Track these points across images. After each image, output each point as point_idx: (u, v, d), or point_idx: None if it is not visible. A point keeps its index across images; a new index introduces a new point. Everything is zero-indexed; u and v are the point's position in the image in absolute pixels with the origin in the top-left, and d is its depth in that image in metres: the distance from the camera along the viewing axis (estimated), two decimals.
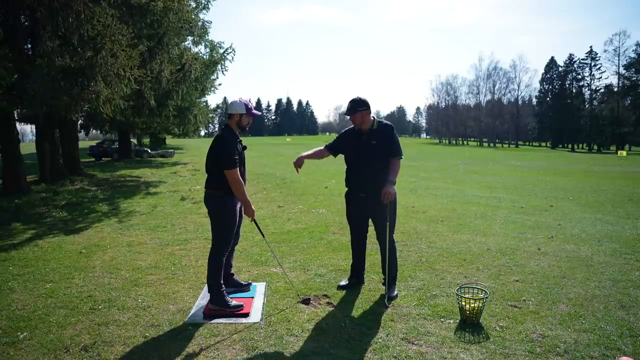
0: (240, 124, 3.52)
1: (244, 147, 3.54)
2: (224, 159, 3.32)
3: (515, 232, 6.33)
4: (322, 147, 4.04)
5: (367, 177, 3.70)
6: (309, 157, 3.97)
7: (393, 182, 3.63)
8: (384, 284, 3.85)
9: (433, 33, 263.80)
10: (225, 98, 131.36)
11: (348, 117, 3.73)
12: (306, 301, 3.65)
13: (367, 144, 3.71)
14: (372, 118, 3.76)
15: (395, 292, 3.78)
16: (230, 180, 3.33)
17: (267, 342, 2.95)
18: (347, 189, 3.95)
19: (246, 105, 3.50)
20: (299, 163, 3.88)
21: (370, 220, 3.95)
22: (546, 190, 11.62)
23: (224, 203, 3.42)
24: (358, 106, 3.67)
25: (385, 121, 3.83)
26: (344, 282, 4.06)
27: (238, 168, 3.36)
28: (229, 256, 3.69)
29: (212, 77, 20.89)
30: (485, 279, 4.20)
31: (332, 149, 3.97)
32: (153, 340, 3.02)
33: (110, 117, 13.86)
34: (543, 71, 79.33)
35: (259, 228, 3.77)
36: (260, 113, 3.67)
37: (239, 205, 3.57)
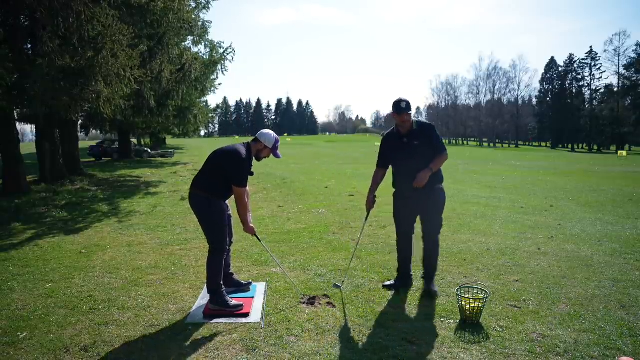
0: (260, 154, 3.60)
1: (252, 173, 3.58)
2: (239, 176, 3.38)
3: (515, 232, 6.33)
4: (376, 170, 4.05)
5: (413, 176, 3.66)
6: (376, 188, 4.04)
7: (431, 170, 3.62)
8: (423, 277, 3.98)
9: (433, 33, 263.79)
10: (225, 98, 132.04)
11: (399, 114, 3.68)
12: (311, 300, 3.65)
13: (410, 145, 3.73)
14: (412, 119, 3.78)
15: (436, 289, 3.80)
16: (237, 196, 3.43)
17: (267, 342, 2.95)
18: (394, 189, 4.00)
19: (275, 141, 3.59)
20: (372, 204, 4.04)
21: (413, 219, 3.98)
22: (546, 190, 11.62)
23: (210, 203, 3.44)
24: (409, 107, 3.69)
25: (424, 121, 3.87)
26: (389, 283, 4.02)
27: (246, 188, 3.47)
28: (226, 256, 3.69)
29: (212, 77, 20.90)
30: (485, 279, 4.20)
31: (385, 163, 3.99)
32: (153, 340, 3.02)
33: (110, 117, 13.86)
34: (543, 71, 79.35)
35: (259, 240, 3.80)
36: (280, 156, 3.75)
37: (225, 207, 3.59)
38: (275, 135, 3.63)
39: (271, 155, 3.68)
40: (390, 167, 4.00)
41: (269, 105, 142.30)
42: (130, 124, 22.81)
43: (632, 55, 61.77)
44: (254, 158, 3.58)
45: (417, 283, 4.11)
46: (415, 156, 3.70)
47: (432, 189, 3.76)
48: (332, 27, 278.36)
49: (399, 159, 3.84)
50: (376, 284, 4.08)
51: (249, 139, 3.84)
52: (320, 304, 3.61)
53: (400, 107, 3.69)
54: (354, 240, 5.83)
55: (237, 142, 3.81)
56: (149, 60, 12.64)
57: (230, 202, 3.67)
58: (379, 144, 4.09)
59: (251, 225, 3.57)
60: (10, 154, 10.63)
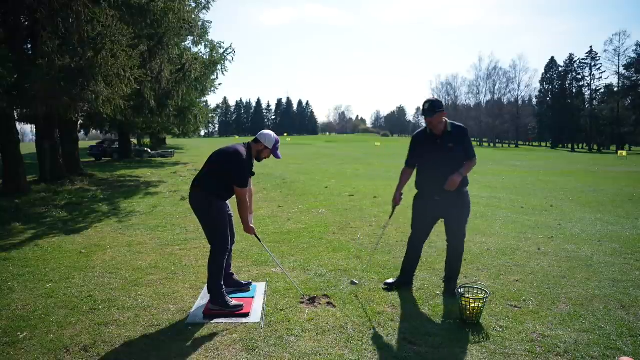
0: (260, 155, 3.59)
1: (253, 173, 3.58)
2: (240, 177, 3.38)
3: (515, 232, 6.33)
4: (404, 169, 3.94)
5: (445, 180, 3.57)
6: (403, 186, 3.96)
7: (462, 175, 3.58)
8: (444, 280, 3.94)
9: (433, 33, 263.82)
10: (225, 98, 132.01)
11: (426, 118, 3.58)
12: (311, 300, 3.65)
13: (444, 148, 3.61)
14: (445, 120, 3.64)
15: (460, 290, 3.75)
16: (239, 196, 3.43)
17: (267, 342, 2.95)
18: (418, 192, 3.89)
19: (275, 142, 3.58)
20: (399, 201, 3.95)
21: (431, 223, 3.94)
22: (546, 190, 11.62)
23: (210, 203, 3.44)
24: (437, 107, 3.55)
25: (458, 123, 3.73)
26: (390, 280, 4.01)
27: (247, 188, 3.48)
28: (227, 256, 3.69)
29: (212, 77, 20.84)
30: (485, 279, 4.20)
31: (414, 163, 3.87)
32: (153, 340, 3.02)
33: (110, 117, 13.88)
34: (543, 71, 79.35)
35: (259, 240, 3.80)
36: (281, 157, 3.74)
37: (226, 207, 3.60)
38: (276, 136, 3.63)
39: (271, 156, 3.68)
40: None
41: (269, 105, 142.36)
42: (130, 124, 22.81)
43: (632, 55, 61.89)
44: (254, 158, 3.59)
45: (417, 283, 4.11)
46: (447, 159, 3.61)
47: (460, 192, 3.69)
48: (333, 27, 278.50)
49: (430, 160, 3.70)
50: (376, 284, 4.08)
51: (249, 139, 3.84)
52: (320, 304, 3.61)
53: (425, 110, 3.56)
54: (354, 240, 5.83)
55: (237, 142, 3.81)
56: (149, 60, 12.63)
57: (231, 202, 3.67)
58: (408, 143, 3.99)
59: (251, 225, 3.57)
60: (10, 154, 10.62)
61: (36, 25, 9.37)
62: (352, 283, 4.04)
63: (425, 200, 3.81)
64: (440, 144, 3.63)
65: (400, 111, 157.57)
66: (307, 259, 4.97)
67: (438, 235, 6.05)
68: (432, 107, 3.54)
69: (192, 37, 18.14)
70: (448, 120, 3.64)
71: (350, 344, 2.93)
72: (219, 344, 2.95)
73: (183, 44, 17.90)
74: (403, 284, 3.97)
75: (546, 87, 78.87)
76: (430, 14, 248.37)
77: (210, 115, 34.32)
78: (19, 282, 4.27)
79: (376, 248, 4.55)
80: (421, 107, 3.66)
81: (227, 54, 19.95)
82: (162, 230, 6.70)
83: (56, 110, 10.15)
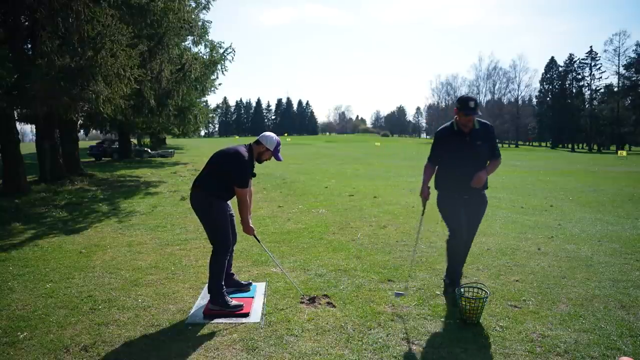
0: (261, 156, 3.60)
1: (254, 174, 3.59)
2: (240, 178, 3.39)
3: (515, 232, 6.33)
4: (427, 165, 3.81)
5: (470, 179, 3.49)
6: (429, 181, 3.82)
7: (488, 173, 3.54)
8: (445, 279, 3.91)
9: (433, 33, 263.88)
10: (225, 98, 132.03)
11: (466, 115, 3.44)
12: (311, 300, 3.65)
13: (473, 145, 3.54)
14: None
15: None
16: (239, 197, 3.43)
17: (267, 342, 2.95)
18: (443, 191, 3.71)
19: (277, 144, 3.59)
20: (428, 195, 3.76)
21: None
22: (546, 190, 11.62)
23: (211, 202, 3.45)
24: (477, 106, 3.47)
25: (484, 120, 3.67)
26: (452, 289, 3.65)
27: (248, 188, 3.50)
28: (229, 256, 3.69)
29: (212, 77, 20.87)
30: (485, 279, 4.20)
31: (437, 160, 3.75)
32: (153, 340, 3.02)
33: (110, 117, 13.88)
34: (543, 71, 79.28)
35: (258, 240, 3.80)
36: (282, 160, 3.73)
37: (227, 207, 3.60)
38: (277, 138, 3.64)
39: (272, 158, 3.68)
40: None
41: (269, 105, 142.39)
42: (130, 124, 22.81)
43: (632, 55, 61.86)
44: (255, 160, 3.59)
45: (417, 283, 4.11)
46: (475, 157, 3.54)
47: (483, 193, 3.66)
48: (333, 27, 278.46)
49: (458, 158, 3.57)
50: (376, 284, 4.08)
51: (249, 139, 3.86)
52: (320, 304, 3.61)
53: (468, 107, 3.44)
54: (354, 240, 5.83)
55: (237, 142, 3.82)
56: (149, 60, 12.64)
57: (232, 202, 3.67)
58: (433, 140, 3.85)
59: (251, 225, 3.58)
60: (10, 154, 10.62)
61: (36, 25, 9.37)
62: (397, 295, 3.67)
63: (454, 198, 3.65)
64: (469, 141, 3.53)
65: (400, 111, 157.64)
66: (307, 259, 4.97)
67: (438, 235, 6.06)
68: (476, 106, 3.44)
69: (192, 37, 18.17)
70: (476, 118, 3.59)
71: (350, 344, 2.93)
72: (219, 344, 2.95)
73: (183, 44, 17.91)
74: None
75: (546, 87, 78.86)
76: (430, 14, 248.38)
77: (210, 115, 34.36)
78: (19, 282, 4.27)
79: (414, 259, 4.17)
80: (459, 103, 3.47)
81: (227, 54, 19.98)
82: (162, 230, 6.70)
83: (56, 110, 10.15)
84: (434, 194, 3.82)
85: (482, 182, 3.48)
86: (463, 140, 3.55)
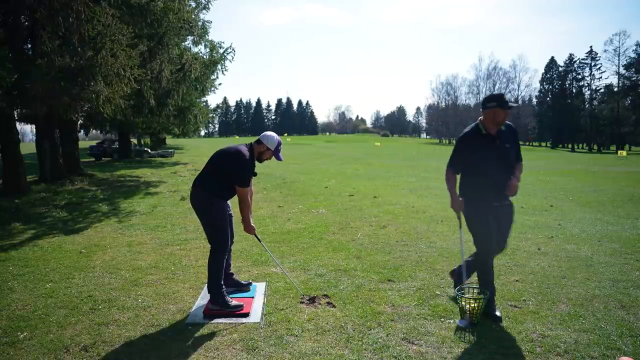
0: (262, 156, 3.61)
1: (255, 174, 3.60)
2: (241, 177, 3.40)
3: (515, 232, 6.32)
4: (451, 173, 3.46)
5: (504, 184, 3.30)
6: (455, 188, 3.49)
7: (519, 179, 3.35)
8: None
9: (433, 33, 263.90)
10: (225, 98, 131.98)
11: (501, 110, 3.23)
12: (311, 300, 3.65)
13: (501, 148, 3.31)
14: None
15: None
16: (240, 196, 3.44)
17: (267, 342, 2.95)
18: (469, 200, 3.40)
19: (278, 144, 3.59)
20: (461, 204, 3.42)
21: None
22: (546, 190, 11.62)
23: (211, 202, 3.45)
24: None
25: (507, 121, 3.40)
26: (499, 314, 3.35)
27: (249, 188, 3.50)
28: (227, 256, 3.69)
29: (212, 77, 20.88)
30: None
31: (460, 166, 3.44)
32: (153, 340, 3.02)
33: (110, 117, 13.87)
34: (543, 71, 79.33)
35: (259, 240, 3.81)
36: (282, 160, 3.73)
37: (227, 207, 3.60)
38: (278, 138, 3.65)
39: (273, 158, 3.69)
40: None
41: (269, 105, 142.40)
42: (130, 124, 22.80)
43: (632, 55, 61.87)
44: (255, 159, 3.59)
45: (417, 283, 4.11)
46: (506, 161, 3.32)
47: (510, 201, 3.43)
48: (333, 27, 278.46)
49: (487, 162, 3.29)
50: (376, 284, 4.08)
51: (249, 139, 3.86)
52: (320, 304, 3.61)
53: (507, 100, 3.23)
54: (354, 240, 5.83)
55: (237, 142, 3.82)
56: (149, 60, 12.63)
57: (231, 202, 3.67)
58: (458, 145, 3.48)
59: (252, 225, 3.58)
60: (10, 154, 10.62)
61: (36, 25, 9.37)
62: (461, 323, 3.18)
63: (482, 207, 3.34)
64: (499, 144, 3.31)
65: (400, 111, 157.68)
66: (307, 259, 4.97)
67: (438, 235, 6.06)
68: (508, 100, 3.23)
69: (192, 37, 18.17)
70: None
71: (350, 344, 2.93)
72: (219, 344, 2.95)
73: (183, 44, 17.91)
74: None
75: (546, 87, 78.88)
76: (430, 14, 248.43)
77: (210, 115, 34.36)
78: (19, 282, 4.27)
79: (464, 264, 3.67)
80: (494, 100, 3.26)
81: (227, 54, 20.00)
82: (162, 230, 6.70)
83: (56, 110, 10.16)
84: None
85: (516, 190, 3.30)
86: (492, 143, 3.31)
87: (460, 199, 3.43)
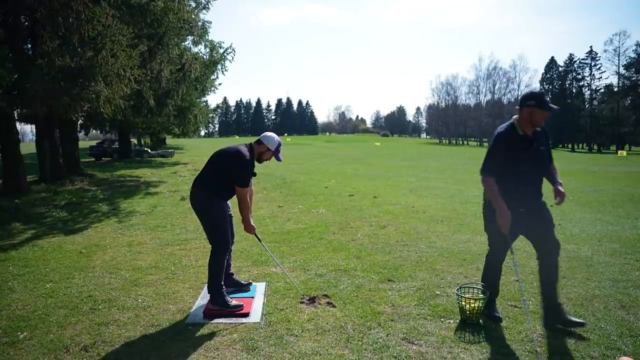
0: (262, 156, 3.61)
1: (254, 174, 3.61)
2: (241, 177, 3.40)
3: None
4: (491, 179, 3.09)
5: (537, 188, 3.16)
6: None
7: (562, 184, 3.16)
8: (543, 308, 3.24)
9: (433, 33, 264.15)
10: (225, 98, 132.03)
11: (542, 111, 3.01)
12: (311, 300, 3.65)
13: (539, 151, 3.12)
14: None
15: (578, 320, 3.09)
16: (240, 196, 3.44)
17: (267, 342, 2.95)
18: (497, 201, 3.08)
19: (278, 145, 3.61)
20: (510, 214, 3.03)
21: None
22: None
23: (211, 202, 3.45)
24: None
25: None
26: (499, 314, 3.33)
27: (248, 188, 3.49)
28: (227, 256, 3.69)
29: (212, 77, 20.91)
30: None
31: (496, 169, 3.11)
32: (153, 340, 3.02)
33: (110, 117, 13.87)
34: (543, 71, 79.28)
35: (259, 239, 3.81)
36: (282, 160, 3.75)
37: (227, 207, 3.61)
38: (279, 138, 3.66)
39: (272, 158, 3.69)
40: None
41: (269, 105, 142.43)
42: (130, 124, 22.81)
43: (632, 55, 61.83)
44: (255, 159, 3.60)
45: (417, 283, 4.11)
46: (541, 167, 3.16)
47: (540, 202, 3.23)
48: (333, 27, 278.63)
49: (522, 166, 3.09)
50: (376, 284, 4.08)
51: (249, 139, 3.86)
52: (320, 304, 3.61)
53: (547, 101, 3.02)
54: (354, 240, 5.83)
55: (237, 142, 3.82)
56: (148, 60, 12.64)
57: (232, 202, 3.67)
58: (493, 146, 3.16)
59: (252, 224, 3.58)
60: (10, 154, 10.62)
61: (36, 25, 9.37)
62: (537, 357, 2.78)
63: (514, 211, 3.07)
64: (537, 146, 3.11)
65: (400, 111, 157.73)
66: (307, 259, 4.97)
67: (438, 235, 6.06)
68: (548, 100, 3.03)
69: (192, 37, 18.19)
70: None
71: (350, 344, 2.93)
72: (219, 344, 2.95)
73: (183, 44, 17.92)
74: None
75: (546, 87, 78.79)
76: (430, 14, 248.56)
77: (210, 115, 34.38)
78: (19, 282, 4.27)
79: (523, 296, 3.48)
80: (533, 100, 3.02)
81: (227, 54, 20.04)
82: (162, 230, 6.70)
83: (56, 110, 10.16)
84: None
85: (565, 196, 3.10)
86: (529, 145, 3.09)
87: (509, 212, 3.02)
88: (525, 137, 3.10)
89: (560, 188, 3.13)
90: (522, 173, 3.10)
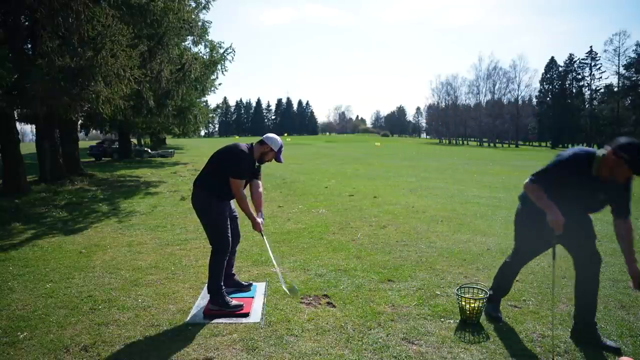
0: (264, 157, 3.61)
1: (257, 169, 3.63)
2: (235, 167, 3.38)
3: None
4: (538, 187, 2.82)
5: (575, 228, 2.91)
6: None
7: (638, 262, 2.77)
8: (574, 319, 3.03)
9: (433, 33, 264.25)
10: (225, 98, 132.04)
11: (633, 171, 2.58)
12: (311, 300, 3.64)
13: (599, 201, 2.85)
14: None
15: (609, 343, 2.86)
16: (233, 189, 3.40)
17: (267, 342, 2.95)
18: (538, 213, 2.86)
19: (280, 146, 3.62)
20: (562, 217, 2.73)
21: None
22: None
23: (210, 202, 3.45)
24: None
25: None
26: (499, 314, 3.32)
27: (243, 181, 3.45)
28: (230, 256, 3.69)
29: (212, 77, 20.90)
30: (485, 279, 4.19)
31: (546, 186, 2.81)
32: (153, 340, 3.02)
33: (110, 117, 13.87)
34: (543, 71, 79.29)
35: (262, 236, 3.78)
36: (282, 161, 3.74)
37: (227, 207, 3.60)
38: (281, 140, 3.67)
39: (273, 159, 3.69)
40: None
41: (269, 105, 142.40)
42: (130, 124, 22.82)
43: (632, 55, 61.71)
44: (256, 160, 3.59)
45: (417, 283, 4.11)
46: (595, 210, 2.95)
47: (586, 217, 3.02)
48: (333, 27, 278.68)
49: (575, 205, 2.85)
50: (376, 284, 4.08)
51: (249, 139, 3.87)
52: (320, 304, 3.62)
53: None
54: (354, 240, 5.83)
55: (238, 142, 3.82)
56: (148, 60, 12.64)
57: (235, 202, 3.67)
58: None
59: (258, 221, 3.56)
60: (10, 154, 10.62)
61: (36, 25, 9.38)
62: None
63: (544, 229, 2.88)
64: (603, 197, 2.82)
65: (400, 111, 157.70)
66: (307, 259, 4.97)
67: (438, 235, 6.06)
68: None
69: (192, 37, 18.18)
70: None
71: (350, 344, 2.93)
72: (219, 344, 2.95)
73: (183, 44, 17.92)
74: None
75: (546, 87, 78.87)
76: (430, 14, 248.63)
77: (210, 115, 34.34)
78: (19, 282, 4.27)
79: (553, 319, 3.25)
80: (627, 151, 2.56)
81: (227, 54, 20.03)
82: (162, 230, 6.70)
83: (56, 110, 10.16)
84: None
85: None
86: (595, 190, 2.78)
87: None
88: (596, 180, 2.73)
89: (636, 267, 2.69)
90: (570, 212, 2.79)
